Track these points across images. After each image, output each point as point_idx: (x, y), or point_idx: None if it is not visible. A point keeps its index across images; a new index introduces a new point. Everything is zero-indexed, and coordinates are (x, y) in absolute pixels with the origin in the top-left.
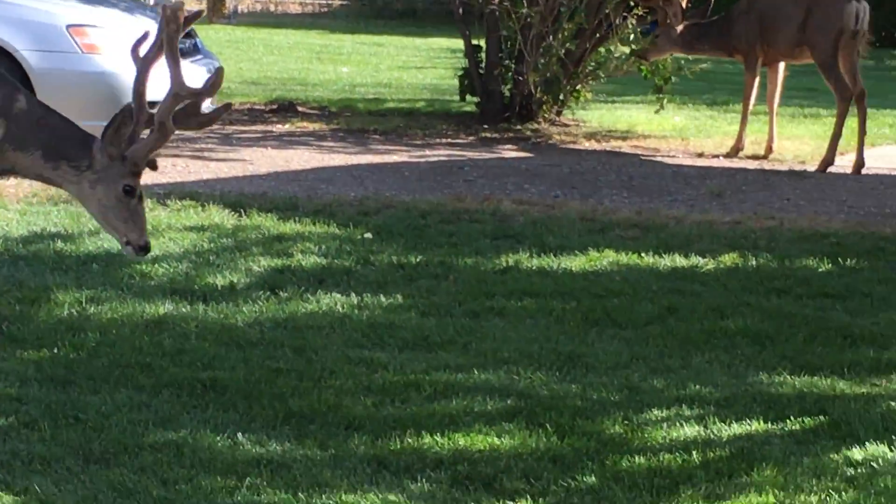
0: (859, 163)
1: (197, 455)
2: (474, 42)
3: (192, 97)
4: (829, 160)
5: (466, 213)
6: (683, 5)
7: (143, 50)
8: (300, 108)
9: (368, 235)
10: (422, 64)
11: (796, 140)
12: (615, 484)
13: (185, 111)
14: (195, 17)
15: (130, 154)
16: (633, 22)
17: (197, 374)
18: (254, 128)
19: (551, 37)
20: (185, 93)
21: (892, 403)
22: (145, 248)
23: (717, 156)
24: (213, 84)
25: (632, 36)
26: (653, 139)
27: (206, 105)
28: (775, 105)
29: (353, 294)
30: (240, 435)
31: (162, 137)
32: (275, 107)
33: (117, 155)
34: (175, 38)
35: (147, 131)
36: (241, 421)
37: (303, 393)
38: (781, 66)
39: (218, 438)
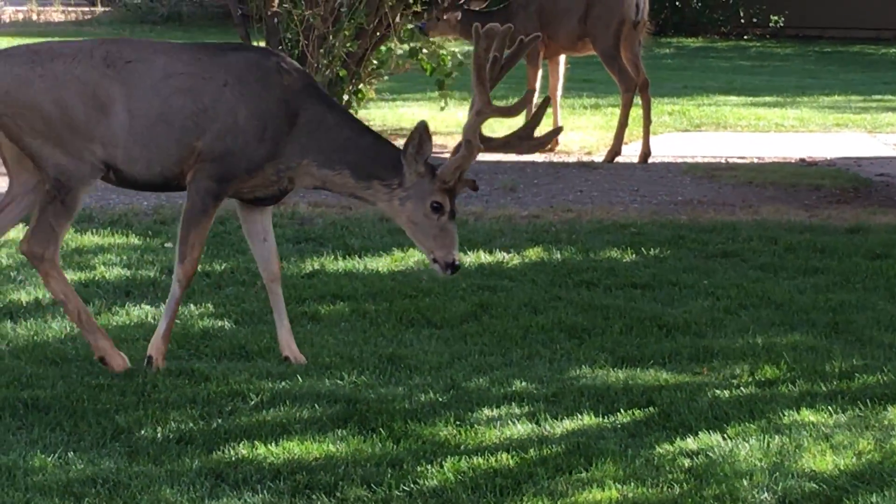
0: (646, 152)
1: (30, 478)
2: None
3: (496, 115)
4: (616, 150)
5: None
6: None
7: None
8: None
9: (169, 245)
10: None
11: (579, 132)
12: (457, 486)
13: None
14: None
15: (439, 171)
16: (411, 19)
17: (17, 393)
18: None
19: (332, 37)
20: (490, 111)
21: (718, 392)
22: (453, 266)
23: None
24: (519, 104)
25: (410, 34)
26: (439, 136)
27: None
28: (558, 97)
29: (161, 304)
30: (70, 454)
31: (469, 154)
32: None
33: (424, 172)
34: (483, 59)
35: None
36: (69, 440)
37: (128, 408)
38: (563, 58)
39: (48, 459)
